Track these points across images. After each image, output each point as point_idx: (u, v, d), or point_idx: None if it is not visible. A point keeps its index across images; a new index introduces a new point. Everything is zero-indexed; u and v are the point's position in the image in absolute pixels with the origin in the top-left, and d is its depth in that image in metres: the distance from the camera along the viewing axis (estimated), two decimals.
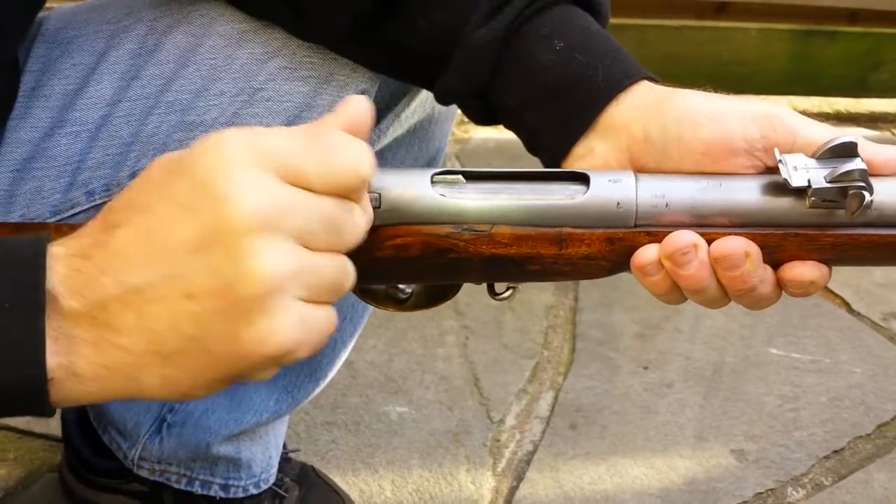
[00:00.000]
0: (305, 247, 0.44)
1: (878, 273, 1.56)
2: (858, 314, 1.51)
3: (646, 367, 1.38)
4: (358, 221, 0.47)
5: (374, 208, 0.51)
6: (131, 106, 0.69)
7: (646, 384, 1.35)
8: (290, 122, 0.68)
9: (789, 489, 1.21)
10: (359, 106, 0.48)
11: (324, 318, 0.46)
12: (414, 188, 0.52)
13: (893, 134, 2.11)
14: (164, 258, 0.43)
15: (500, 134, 1.91)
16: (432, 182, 0.52)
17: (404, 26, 0.63)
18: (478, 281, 0.56)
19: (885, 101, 2.13)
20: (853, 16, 2.02)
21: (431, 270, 0.53)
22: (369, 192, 0.50)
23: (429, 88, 0.66)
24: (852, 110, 2.12)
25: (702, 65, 1.96)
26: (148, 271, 0.43)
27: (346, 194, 0.46)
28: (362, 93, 0.69)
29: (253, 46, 0.68)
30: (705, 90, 0.57)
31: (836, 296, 1.53)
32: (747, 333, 1.44)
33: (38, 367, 0.43)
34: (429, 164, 0.81)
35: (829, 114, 2.10)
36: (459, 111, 0.66)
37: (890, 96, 2.12)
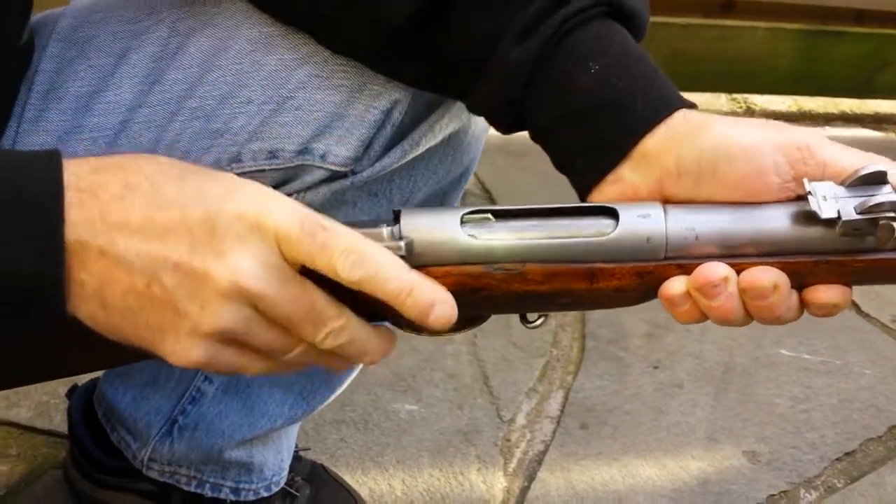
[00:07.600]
0: (266, 320, 0.51)
1: None
2: (868, 316, 1.50)
3: (655, 367, 1.37)
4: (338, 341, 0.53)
5: (402, 250, 0.53)
6: (152, 112, 0.67)
7: (656, 384, 1.34)
8: (319, 132, 0.66)
9: (802, 491, 1.20)
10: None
11: (235, 363, 0.52)
12: (444, 230, 0.53)
13: None
14: (156, 248, 0.49)
15: None
16: (462, 223, 0.53)
17: (437, 40, 0.61)
18: (510, 312, 0.57)
19: (890, 103, 2.13)
20: (859, 16, 2.02)
21: (464, 306, 0.53)
22: (400, 238, 0.53)
23: (462, 100, 0.65)
24: (857, 111, 2.12)
25: (708, 63, 1.95)
26: (138, 246, 0.49)
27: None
28: (395, 103, 0.67)
29: (282, 52, 0.66)
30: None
31: None
32: (757, 334, 1.43)
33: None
34: (462, 174, 0.81)
35: (834, 114, 2.09)
36: None
37: (895, 98, 2.12)
